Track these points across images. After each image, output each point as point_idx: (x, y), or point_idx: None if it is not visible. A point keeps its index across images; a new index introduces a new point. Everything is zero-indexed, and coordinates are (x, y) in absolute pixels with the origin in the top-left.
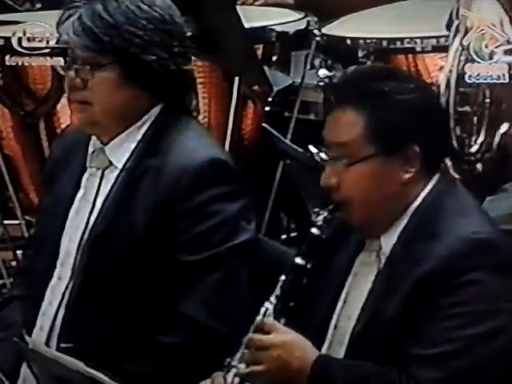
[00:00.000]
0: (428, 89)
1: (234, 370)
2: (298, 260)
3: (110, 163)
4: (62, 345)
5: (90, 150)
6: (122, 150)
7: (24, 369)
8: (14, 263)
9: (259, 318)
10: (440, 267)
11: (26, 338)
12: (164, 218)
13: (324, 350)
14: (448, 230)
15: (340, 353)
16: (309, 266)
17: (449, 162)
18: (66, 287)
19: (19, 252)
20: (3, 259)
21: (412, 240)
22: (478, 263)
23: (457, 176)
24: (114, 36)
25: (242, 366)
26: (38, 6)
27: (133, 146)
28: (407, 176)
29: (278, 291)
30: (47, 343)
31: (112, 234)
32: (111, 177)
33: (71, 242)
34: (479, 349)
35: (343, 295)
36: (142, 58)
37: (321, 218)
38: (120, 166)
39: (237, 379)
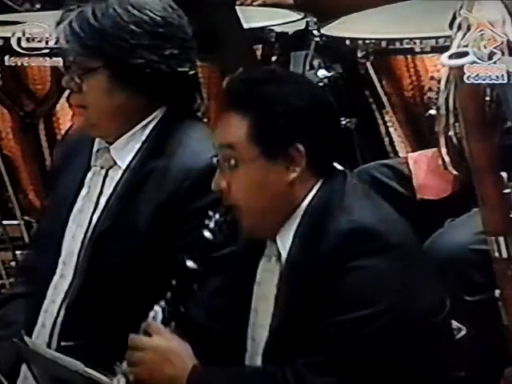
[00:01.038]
0: (312, 88)
1: (120, 371)
2: (190, 263)
3: (115, 163)
4: (63, 343)
5: (95, 148)
6: (126, 150)
7: (24, 369)
8: (13, 264)
9: (148, 319)
10: (326, 261)
11: (26, 338)
12: (167, 219)
13: (246, 361)
14: (334, 227)
15: (258, 362)
16: (200, 270)
17: (447, 159)
18: (69, 286)
19: (19, 252)
20: (3, 260)
21: (306, 241)
22: (358, 251)
23: (455, 173)
24: (100, 41)
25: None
26: (38, 6)
27: (137, 146)
28: (292, 176)
29: (168, 295)
30: (49, 341)
31: (115, 233)
32: (115, 176)
33: (74, 241)
34: (366, 330)
35: (253, 305)
36: (129, 61)
37: (213, 221)
38: (124, 165)
39: (122, 380)
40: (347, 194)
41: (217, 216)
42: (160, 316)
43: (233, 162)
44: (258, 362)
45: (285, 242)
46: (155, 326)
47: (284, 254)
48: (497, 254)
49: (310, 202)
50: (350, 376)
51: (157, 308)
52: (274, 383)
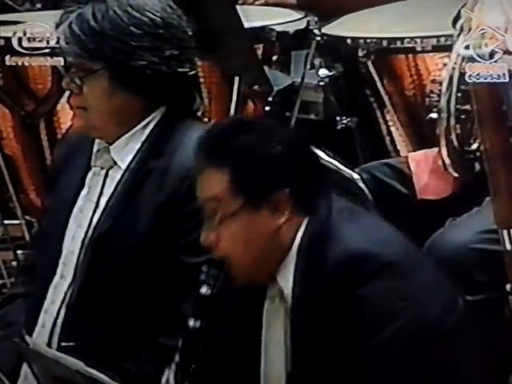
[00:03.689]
0: (285, 132)
1: None
2: (191, 323)
3: (115, 163)
4: (63, 343)
5: (95, 148)
6: (126, 151)
7: (25, 368)
8: (14, 263)
9: None
10: (329, 293)
11: (27, 338)
12: (167, 219)
13: None
14: (330, 258)
15: None
16: (203, 327)
17: (448, 161)
18: (69, 286)
19: (20, 252)
20: (4, 259)
21: (306, 276)
22: (358, 277)
23: (456, 175)
24: (101, 43)
25: None
26: (38, 5)
27: (137, 146)
28: (281, 221)
29: (176, 358)
30: (49, 341)
31: (115, 233)
32: (115, 176)
33: (74, 241)
34: (391, 351)
35: (263, 351)
36: (130, 63)
37: (208, 275)
38: (124, 166)
39: None
40: (334, 223)
41: (211, 270)
42: (172, 380)
43: (218, 215)
44: None
45: (286, 281)
46: None
47: (288, 293)
48: (508, 247)
49: (301, 239)
50: None
51: (167, 372)
52: None
